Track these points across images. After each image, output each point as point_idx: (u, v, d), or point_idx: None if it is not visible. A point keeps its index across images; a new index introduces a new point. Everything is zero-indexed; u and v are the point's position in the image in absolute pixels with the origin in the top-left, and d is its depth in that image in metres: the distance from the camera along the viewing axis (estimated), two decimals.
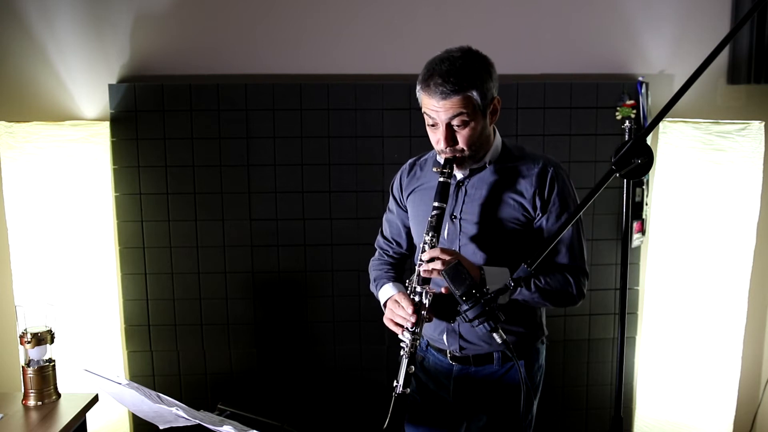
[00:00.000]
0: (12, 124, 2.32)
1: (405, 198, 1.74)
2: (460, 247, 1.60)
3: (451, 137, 1.49)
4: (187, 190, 2.48)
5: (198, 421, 1.26)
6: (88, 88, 2.47)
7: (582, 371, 2.64)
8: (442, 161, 1.54)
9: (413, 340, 1.49)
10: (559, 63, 2.54)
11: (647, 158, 1.16)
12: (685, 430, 2.54)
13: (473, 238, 1.58)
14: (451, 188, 1.56)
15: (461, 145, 1.50)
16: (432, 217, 1.51)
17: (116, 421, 2.49)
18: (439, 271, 1.43)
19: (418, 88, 1.51)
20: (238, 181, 2.48)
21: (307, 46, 2.49)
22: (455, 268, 1.34)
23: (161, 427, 1.37)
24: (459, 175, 1.60)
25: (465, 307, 1.31)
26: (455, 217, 1.60)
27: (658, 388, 2.56)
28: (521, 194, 1.56)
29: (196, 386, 2.57)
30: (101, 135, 2.42)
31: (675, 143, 2.45)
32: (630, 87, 2.47)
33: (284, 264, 2.53)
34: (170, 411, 1.28)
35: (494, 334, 1.33)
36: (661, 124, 2.46)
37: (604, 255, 2.56)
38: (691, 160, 2.43)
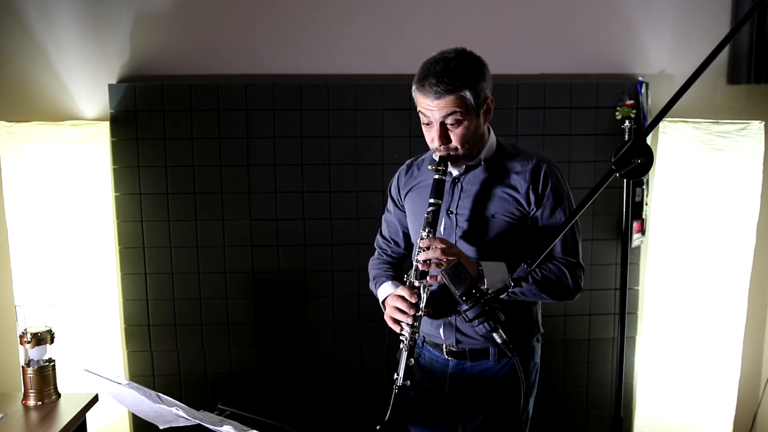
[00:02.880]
0: (12, 124, 2.32)
1: (403, 197, 1.78)
2: (456, 241, 1.63)
3: (444, 135, 1.54)
4: (187, 190, 2.48)
5: (198, 421, 1.26)
6: (88, 88, 2.47)
7: (582, 371, 2.64)
8: (437, 159, 1.58)
9: (412, 333, 1.53)
10: (559, 63, 2.54)
11: (647, 158, 1.16)
12: (685, 430, 2.54)
13: (469, 233, 1.62)
14: (447, 184, 1.61)
15: (455, 143, 1.55)
16: (428, 213, 1.55)
17: (116, 421, 2.49)
18: (440, 271, 1.45)
19: (413, 88, 1.55)
20: (238, 181, 2.48)
21: (307, 46, 2.49)
22: (455, 268, 1.35)
23: (161, 427, 1.37)
24: (455, 172, 1.65)
25: (465, 307, 1.32)
26: (451, 213, 1.64)
27: (658, 388, 2.56)
28: (515, 189, 1.60)
29: (196, 386, 2.57)
30: (101, 135, 2.42)
31: (675, 143, 2.45)
32: (630, 87, 2.47)
33: (284, 264, 2.53)
34: (170, 411, 1.28)
35: (494, 334, 1.34)
36: (661, 124, 2.46)
37: (604, 255, 2.56)
38: (691, 160, 2.43)
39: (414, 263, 1.56)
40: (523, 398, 1.41)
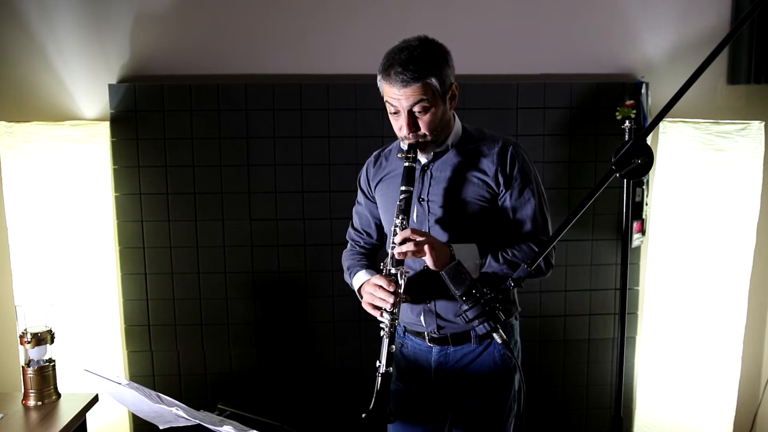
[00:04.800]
0: (12, 124, 2.32)
1: (373, 189, 1.80)
2: (429, 227, 1.66)
3: (413, 123, 1.55)
4: (187, 190, 2.48)
5: (198, 421, 1.26)
6: (88, 88, 2.47)
7: (582, 371, 2.64)
8: (405, 147, 1.60)
9: (392, 320, 1.54)
10: (559, 63, 2.54)
11: (647, 158, 1.16)
12: (685, 430, 2.54)
13: (441, 218, 1.65)
14: (417, 172, 1.63)
15: (423, 130, 1.57)
16: (401, 200, 1.57)
17: (116, 421, 2.49)
18: (412, 252, 1.49)
19: (379, 78, 1.57)
20: (238, 181, 2.48)
21: (307, 46, 2.49)
22: (455, 268, 1.35)
23: (161, 427, 1.37)
24: (423, 159, 1.67)
25: (465, 307, 1.32)
26: (423, 200, 1.66)
27: (658, 388, 2.56)
28: (484, 172, 1.63)
29: (196, 386, 2.57)
30: (101, 135, 2.41)
31: (675, 143, 2.45)
32: (630, 87, 2.48)
33: (284, 264, 2.53)
34: (170, 411, 1.28)
35: (494, 334, 1.34)
36: (661, 124, 2.46)
37: (604, 255, 2.56)
38: (691, 160, 2.43)
39: (389, 251, 1.57)
40: (519, 377, 1.40)
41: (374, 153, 1.83)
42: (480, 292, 1.33)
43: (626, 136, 2.42)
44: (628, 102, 2.44)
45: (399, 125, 1.58)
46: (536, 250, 1.61)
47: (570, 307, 2.59)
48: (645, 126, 2.44)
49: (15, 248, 2.38)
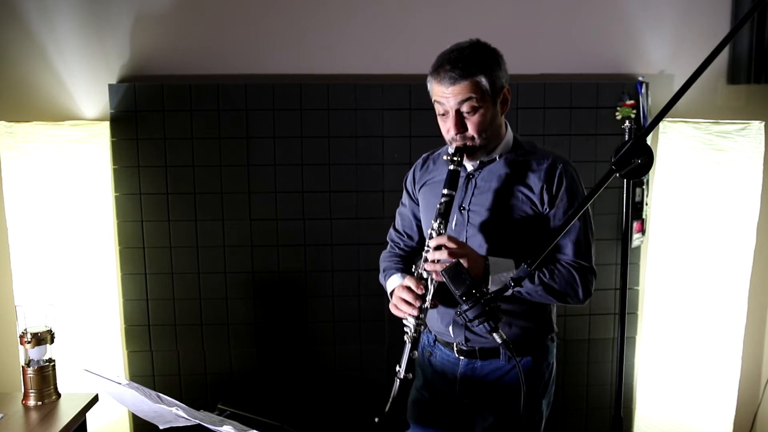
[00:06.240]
0: (12, 124, 2.32)
1: (417, 191, 1.76)
2: (467, 238, 1.61)
3: (460, 123, 1.50)
4: (187, 190, 2.48)
5: (198, 421, 1.26)
6: (88, 88, 2.47)
7: (582, 371, 2.64)
8: (452, 150, 1.55)
9: (417, 325, 1.50)
10: (559, 63, 2.54)
11: (647, 158, 1.16)
12: (685, 430, 2.54)
13: (480, 230, 1.60)
14: (461, 180, 1.58)
15: (471, 132, 1.52)
16: (440, 204, 1.52)
17: (116, 421, 2.49)
18: (440, 271, 1.43)
19: (428, 78, 1.54)
20: (238, 181, 2.48)
21: (307, 46, 2.49)
22: (455, 267, 1.34)
23: (161, 427, 1.37)
24: (469, 167, 1.62)
25: (465, 307, 1.32)
26: (464, 209, 1.61)
27: (658, 388, 2.56)
28: (530, 188, 1.57)
29: (196, 386, 2.57)
30: (101, 135, 2.42)
31: (675, 143, 2.45)
32: (630, 87, 2.47)
33: (284, 264, 2.53)
34: (170, 411, 1.28)
35: (494, 334, 1.33)
36: (661, 124, 2.46)
37: (604, 255, 2.56)
38: (691, 160, 2.43)
39: (423, 254, 1.53)
40: (526, 399, 1.40)
41: (423, 155, 1.79)
42: (480, 292, 1.32)
43: (626, 136, 2.42)
44: (628, 102, 2.44)
45: (447, 127, 1.53)
46: (576, 276, 1.57)
47: (570, 307, 2.59)
48: (645, 126, 2.44)
49: (15, 248, 2.37)
